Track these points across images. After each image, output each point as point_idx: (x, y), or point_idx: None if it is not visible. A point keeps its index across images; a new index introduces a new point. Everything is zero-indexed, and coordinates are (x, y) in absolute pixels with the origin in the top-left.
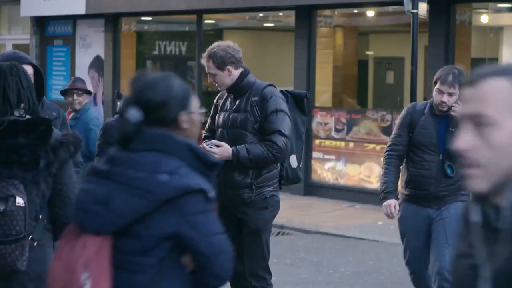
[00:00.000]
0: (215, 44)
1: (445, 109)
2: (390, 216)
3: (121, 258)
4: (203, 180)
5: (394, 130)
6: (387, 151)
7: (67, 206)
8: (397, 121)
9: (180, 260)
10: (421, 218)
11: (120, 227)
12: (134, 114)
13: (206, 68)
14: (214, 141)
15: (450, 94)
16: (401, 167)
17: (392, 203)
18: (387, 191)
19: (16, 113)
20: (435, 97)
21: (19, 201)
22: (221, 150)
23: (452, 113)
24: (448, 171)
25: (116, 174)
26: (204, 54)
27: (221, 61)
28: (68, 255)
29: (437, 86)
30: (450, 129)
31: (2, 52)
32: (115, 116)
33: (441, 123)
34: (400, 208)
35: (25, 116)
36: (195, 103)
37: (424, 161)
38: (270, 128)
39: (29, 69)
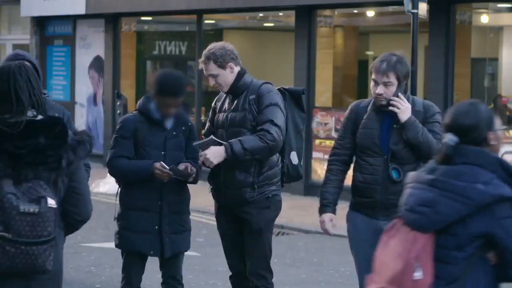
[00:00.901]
0: (210, 46)
1: (383, 102)
2: (326, 232)
3: (440, 252)
4: (511, 190)
5: (339, 132)
6: (329, 156)
7: (81, 203)
8: (342, 122)
9: (485, 255)
10: (369, 231)
11: (441, 227)
12: (451, 138)
13: (205, 72)
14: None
15: (385, 85)
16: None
17: (327, 219)
18: (324, 204)
19: (29, 113)
20: (371, 89)
21: (51, 202)
22: (212, 151)
23: (390, 108)
24: (394, 175)
25: (440, 183)
26: (202, 59)
27: (222, 59)
28: (398, 247)
29: (372, 76)
30: (394, 126)
31: (3, 53)
32: (134, 111)
33: (385, 120)
34: (348, 219)
35: (37, 116)
36: (497, 122)
37: (369, 165)
38: (263, 119)
39: None
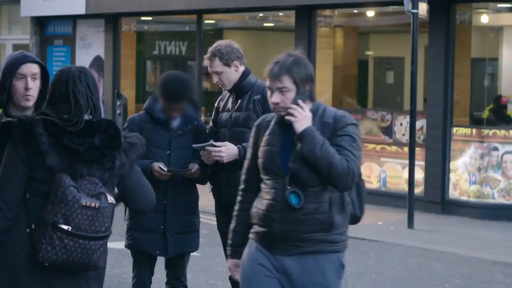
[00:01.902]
0: (217, 43)
1: (282, 113)
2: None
3: None
4: None
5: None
6: (241, 183)
7: (139, 198)
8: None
9: None
10: (266, 267)
11: None
12: None
13: (210, 68)
14: (217, 144)
15: (281, 91)
16: None
17: (231, 266)
18: (232, 244)
19: (86, 117)
20: (268, 99)
21: (111, 198)
22: (227, 148)
23: (286, 117)
24: (292, 200)
25: None
26: (207, 55)
27: (228, 57)
28: None
29: (266, 82)
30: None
31: (3, 53)
32: (140, 112)
33: (288, 135)
34: (245, 251)
35: (92, 119)
36: None
37: (269, 188)
38: None
39: (35, 68)
